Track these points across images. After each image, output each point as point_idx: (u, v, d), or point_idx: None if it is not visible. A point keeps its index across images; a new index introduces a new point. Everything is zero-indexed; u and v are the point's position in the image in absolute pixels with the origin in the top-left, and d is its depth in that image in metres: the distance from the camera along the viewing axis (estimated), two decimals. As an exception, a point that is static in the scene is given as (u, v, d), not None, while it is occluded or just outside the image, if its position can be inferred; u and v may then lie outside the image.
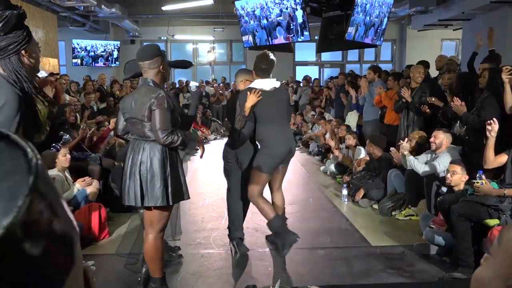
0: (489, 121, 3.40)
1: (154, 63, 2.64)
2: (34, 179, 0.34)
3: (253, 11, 7.11)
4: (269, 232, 3.63)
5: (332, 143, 6.29)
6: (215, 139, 10.72)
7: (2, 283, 0.32)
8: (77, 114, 5.54)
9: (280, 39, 6.94)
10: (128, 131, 2.81)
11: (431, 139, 4.33)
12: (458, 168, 3.64)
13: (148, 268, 2.90)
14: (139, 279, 3.02)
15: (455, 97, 4.41)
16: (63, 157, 4.06)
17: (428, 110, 4.98)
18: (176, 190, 2.67)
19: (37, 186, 0.34)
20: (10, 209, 0.32)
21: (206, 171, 6.70)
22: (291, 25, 6.87)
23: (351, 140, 6.20)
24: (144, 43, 14.93)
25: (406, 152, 4.39)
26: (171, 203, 2.67)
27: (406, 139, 4.66)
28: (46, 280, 0.35)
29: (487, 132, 3.39)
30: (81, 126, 5.15)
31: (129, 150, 2.71)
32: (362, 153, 5.89)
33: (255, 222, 4.28)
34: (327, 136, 6.49)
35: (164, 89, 2.79)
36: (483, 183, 3.35)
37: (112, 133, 5.61)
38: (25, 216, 0.33)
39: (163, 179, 2.60)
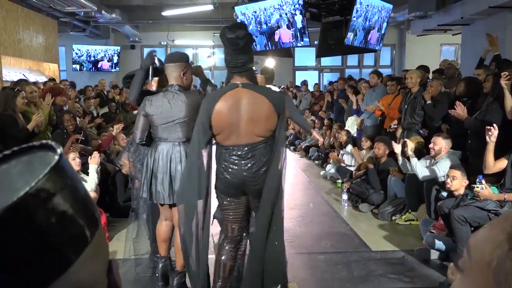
0: (488, 127, 3.40)
1: (177, 67, 2.81)
2: (53, 166, 0.44)
3: (253, 16, 7.13)
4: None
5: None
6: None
7: (13, 247, 0.41)
8: (77, 121, 5.41)
9: (285, 34, 6.87)
10: (144, 137, 2.91)
11: (430, 145, 4.31)
12: (458, 173, 3.64)
13: (165, 264, 3.01)
14: (157, 274, 3.05)
15: (457, 103, 4.41)
16: (72, 161, 4.04)
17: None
18: None
19: (56, 170, 0.44)
20: (29, 182, 0.42)
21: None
22: (291, 30, 6.89)
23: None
24: (145, 48, 15.02)
25: (410, 153, 4.38)
26: None
27: (410, 142, 4.66)
28: (55, 249, 0.43)
29: (487, 137, 3.39)
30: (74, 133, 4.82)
31: (160, 154, 2.81)
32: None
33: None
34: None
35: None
36: (483, 188, 3.35)
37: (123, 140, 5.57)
38: (41, 189, 0.42)
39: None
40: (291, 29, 6.80)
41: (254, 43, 2.51)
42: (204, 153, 2.48)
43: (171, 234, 3.06)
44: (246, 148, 2.44)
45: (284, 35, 6.93)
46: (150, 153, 2.87)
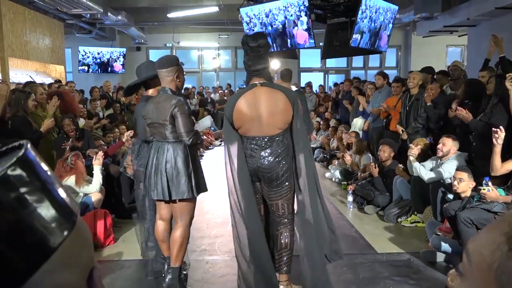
0: (495, 129, 3.38)
1: (170, 71, 2.95)
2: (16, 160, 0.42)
3: (259, 18, 7.14)
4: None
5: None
6: (220, 144, 10.73)
7: None
8: (78, 124, 5.41)
9: (301, 36, 6.83)
10: (144, 136, 3.16)
11: (439, 146, 4.29)
12: (465, 175, 3.61)
13: (169, 264, 3.05)
14: (162, 275, 3.10)
15: (458, 107, 4.38)
16: (79, 160, 4.19)
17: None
18: (198, 183, 2.98)
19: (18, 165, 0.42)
20: None
21: (211, 177, 6.69)
22: (307, 32, 6.87)
23: (356, 147, 6.17)
24: (150, 50, 15.08)
25: (412, 158, 4.36)
26: (195, 195, 2.98)
27: (416, 144, 4.64)
28: (5, 260, 0.40)
29: (494, 140, 3.37)
30: (70, 140, 4.81)
31: (152, 151, 3.00)
32: (370, 159, 5.87)
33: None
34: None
35: (182, 95, 3.10)
36: (490, 190, 3.33)
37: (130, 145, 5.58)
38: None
39: (187, 175, 2.91)
40: (307, 31, 6.78)
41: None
42: (235, 146, 2.75)
43: (169, 233, 3.10)
44: (265, 139, 2.73)
45: (300, 36, 6.89)
46: (148, 151, 3.07)
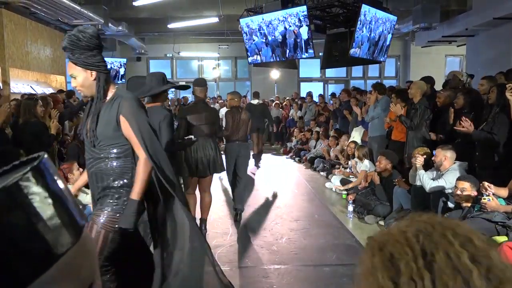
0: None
1: (205, 90, 4.41)
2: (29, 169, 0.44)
3: (259, 28, 7.18)
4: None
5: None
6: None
7: None
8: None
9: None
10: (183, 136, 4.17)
11: (437, 159, 4.29)
12: (467, 185, 3.60)
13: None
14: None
15: (463, 118, 4.38)
16: (77, 171, 4.27)
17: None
18: None
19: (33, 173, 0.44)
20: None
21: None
22: (297, 41, 6.92)
23: (359, 151, 6.15)
24: (150, 60, 15.16)
25: (418, 165, 4.35)
26: None
27: (421, 152, 4.63)
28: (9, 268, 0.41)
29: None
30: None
31: (200, 144, 4.18)
32: (369, 167, 5.86)
33: (260, 239, 4.25)
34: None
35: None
36: (490, 200, 3.32)
37: None
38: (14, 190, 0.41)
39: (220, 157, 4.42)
40: (297, 44, 6.84)
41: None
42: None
43: None
44: None
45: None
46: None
